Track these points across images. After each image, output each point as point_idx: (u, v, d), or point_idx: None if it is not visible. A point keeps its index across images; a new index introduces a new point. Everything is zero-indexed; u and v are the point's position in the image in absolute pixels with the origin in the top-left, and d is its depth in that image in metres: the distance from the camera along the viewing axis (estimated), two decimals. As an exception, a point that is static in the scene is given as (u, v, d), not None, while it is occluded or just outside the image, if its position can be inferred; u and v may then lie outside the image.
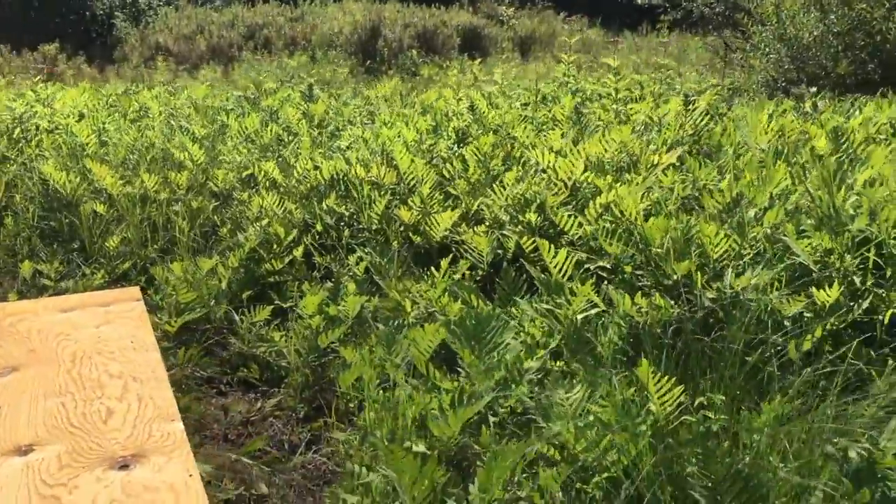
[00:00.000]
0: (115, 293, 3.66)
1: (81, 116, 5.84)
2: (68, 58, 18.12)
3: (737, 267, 2.60)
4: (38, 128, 5.35)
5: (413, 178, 4.02)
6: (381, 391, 2.47)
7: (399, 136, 4.61)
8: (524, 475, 1.94)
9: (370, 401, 2.41)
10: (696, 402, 2.11)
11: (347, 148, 4.78)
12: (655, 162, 3.68)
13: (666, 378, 2.00)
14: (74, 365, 2.70)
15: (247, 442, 2.97)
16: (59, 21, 19.98)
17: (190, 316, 3.49)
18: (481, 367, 2.43)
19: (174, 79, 14.05)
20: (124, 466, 1.93)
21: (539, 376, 2.35)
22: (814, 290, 2.53)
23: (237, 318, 3.62)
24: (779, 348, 2.41)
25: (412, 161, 4.08)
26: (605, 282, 2.91)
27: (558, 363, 2.48)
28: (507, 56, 18.05)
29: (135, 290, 3.69)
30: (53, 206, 4.67)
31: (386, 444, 1.86)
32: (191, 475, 1.88)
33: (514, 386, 2.23)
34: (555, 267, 2.89)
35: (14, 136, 5.18)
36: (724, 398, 2.07)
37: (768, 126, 4.22)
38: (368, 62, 16.84)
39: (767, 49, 9.61)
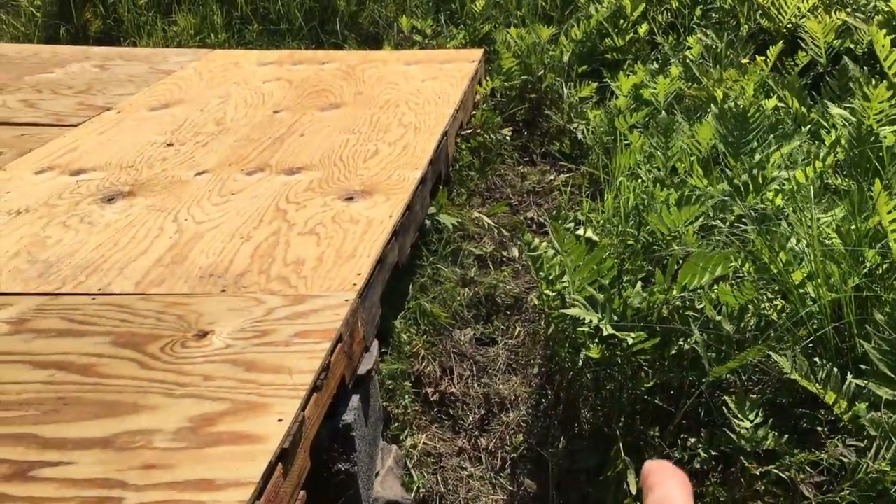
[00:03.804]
0: (457, 53, 3.88)
1: None
2: None
3: None
4: None
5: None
6: (625, 180, 2.35)
7: None
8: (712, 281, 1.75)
9: (610, 187, 2.32)
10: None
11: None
12: None
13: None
14: (380, 110, 3.00)
15: (526, 208, 3.08)
16: None
17: (508, 83, 3.56)
18: (739, 169, 2.17)
19: None
20: (349, 199, 2.18)
21: (795, 187, 2.01)
22: None
23: (565, 91, 3.62)
24: None
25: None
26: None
27: (837, 180, 2.09)
28: None
29: (476, 53, 3.86)
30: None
31: (555, 223, 1.81)
32: (390, 216, 2.05)
33: (752, 194, 1.96)
34: (889, 67, 2.34)
35: None
36: None
37: None
38: None
39: None
